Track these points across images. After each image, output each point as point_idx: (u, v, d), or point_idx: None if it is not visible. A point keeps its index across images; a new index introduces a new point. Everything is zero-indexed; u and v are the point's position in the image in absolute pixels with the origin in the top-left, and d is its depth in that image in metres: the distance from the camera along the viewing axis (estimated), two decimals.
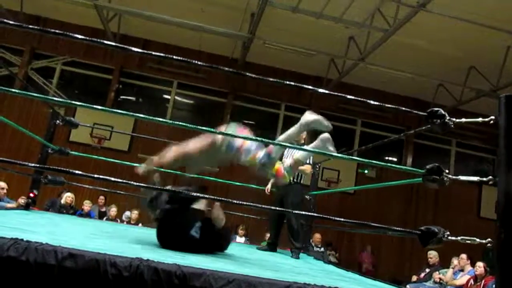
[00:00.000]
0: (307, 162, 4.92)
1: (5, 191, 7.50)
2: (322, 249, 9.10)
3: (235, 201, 2.45)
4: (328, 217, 2.31)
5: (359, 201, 11.82)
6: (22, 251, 1.74)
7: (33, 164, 3.24)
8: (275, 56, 11.22)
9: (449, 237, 2.07)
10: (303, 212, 4.17)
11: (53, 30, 2.70)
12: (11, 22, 2.49)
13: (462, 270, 7.43)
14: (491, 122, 2.12)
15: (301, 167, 4.86)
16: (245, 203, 3.06)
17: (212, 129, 3.21)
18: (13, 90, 4.16)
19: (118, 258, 1.82)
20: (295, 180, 4.92)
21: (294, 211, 3.54)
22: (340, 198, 11.55)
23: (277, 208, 4.64)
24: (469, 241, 2.04)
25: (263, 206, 3.10)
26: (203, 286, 1.80)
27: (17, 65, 11.40)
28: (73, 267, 1.75)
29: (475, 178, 2.23)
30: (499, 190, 1.91)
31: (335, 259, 10.27)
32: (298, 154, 3.42)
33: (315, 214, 4.83)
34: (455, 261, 7.63)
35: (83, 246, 2.00)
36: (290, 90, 11.89)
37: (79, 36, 2.70)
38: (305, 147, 3.07)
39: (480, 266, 6.84)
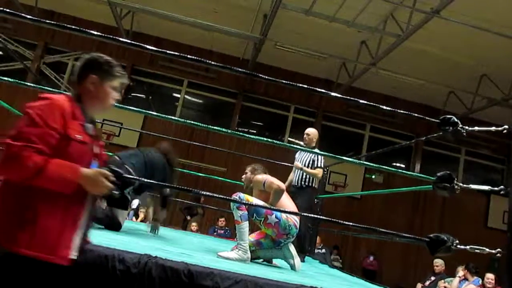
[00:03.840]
0: (319, 165, 4.90)
1: None
2: (323, 250, 9.06)
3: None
4: (336, 220, 2.30)
5: (365, 206, 11.77)
6: None
7: None
8: (286, 58, 11.21)
9: (458, 246, 2.05)
10: (311, 215, 4.16)
11: (67, 25, 2.73)
12: (27, 16, 2.52)
13: (467, 279, 7.37)
14: (504, 131, 2.11)
15: (312, 171, 4.86)
16: (249, 202, 3.06)
17: (223, 129, 3.22)
18: (25, 83, 4.20)
19: (127, 254, 1.83)
20: (306, 183, 4.91)
21: (303, 214, 3.54)
22: (346, 202, 11.51)
23: (285, 210, 4.63)
24: (478, 251, 2.02)
25: (272, 207, 3.10)
26: (210, 285, 1.81)
27: (30, 59, 11.50)
28: (82, 262, 1.76)
29: (486, 187, 2.22)
30: (510, 200, 1.89)
31: (339, 263, 10.23)
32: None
33: (322, 217, 4.80)
34: (460, 269, 7.56)
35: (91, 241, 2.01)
36: (299, 93, 11.87)
37: (94, 32, 2.72)
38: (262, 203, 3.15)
39: (492, 278, 6.72)
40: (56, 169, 1.42)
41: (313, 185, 4.94)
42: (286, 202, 3.38)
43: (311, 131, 5.13)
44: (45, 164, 1.41)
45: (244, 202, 3.08)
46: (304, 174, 4.88)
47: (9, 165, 1.41)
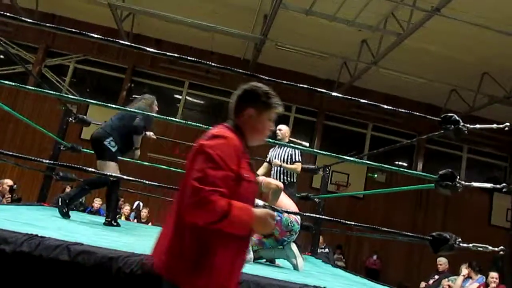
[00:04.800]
0: (297, 159, 4.89)
1: (14, 188, 7.47)
2: (327, 249, 9.05)
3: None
4: (339, 220, 2.30)
5: (368, 206, 11.75)
6: (36, 247, 1.76)
7: (46, 160, 3.28)
8: (287, 58, 11.21)
9: (461, 244, 2.05)
10: (313, 215, 4.15)
11: (68, 28, 2.74)
12: (28, 20, 2.53)
13: (471, 278, 7.35)
14: (506, 128, 2.10)
15: (292, 166, 4.85)
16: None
17: None
18: (27, 86, 4.21)
19: (132, 256, 1.83)
20: (289, 179, 4.89)
21: (305, 214, 3.54)
22: (349, 202, 11.49)
23: (277, 208, 4.65)
24: (481, 249, 2.02)
25: (266, 204, 3.10)
26: None
27: (31, 63, 11.53)
28: (86, 264, 1.76)
29: (488, 185, 2.22)
30: None
31: (342, 263, 10.22)
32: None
33: (324, 217, 4.81)
34: (463, 268, 7.54)
35: (94, 243, 2.02)
36: (301, 93, 11.85)
37: (94, 35, 2.73)
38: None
39: (496, 277, 6.71)
40: (237, 213, 1.44)
41: (294, 180, 4.93)
42: (286, 201, 3.38)
43: (284, 127, 5.10)
44: (229, 208, 1.42)
45: None
46: (284, 170, 4.86)
47: (198, 209, 1.41)
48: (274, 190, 3.28)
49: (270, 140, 3.46)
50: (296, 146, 4.65)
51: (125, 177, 2.49)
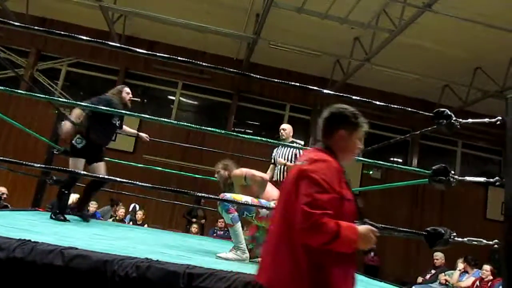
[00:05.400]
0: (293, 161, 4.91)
1: (5, 196, 7.40)
2: None
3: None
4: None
5: (364, 202, 11.76)
6: (29, 252, 1.74)
7: (38, 165, 3.26)
8: (280, 57, 11.20)
9: (456, 239, 2.06)
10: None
11: (59, 32, 2.72)
12: (18, 24, 2.51)
13: (467, 272, 7.39)
14: (498, 122, 2.11)
15: (289, 164, 4.87)
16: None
17: (217, 130, 3.22)
18: (19, 91, 4.18)
19: (127, 259, 1.82)
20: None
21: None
22: None
23: (269, 206, 4.70)
24: (475, 242, 2.03)
25: (263, 205, 3.10)
26: (210, 287, 1.80)
27: (23, 67, 11.46)
28: (80, 268, 1.75)
29: (482, 179, 2.22)
30: (506, 191, 1.90)
31: None
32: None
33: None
34: (460, 262, 7.59)
35: (90, 247, 2.01)
36: (295, 91, 11.87)
37: (85, 38, 2.72)
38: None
39: (486, 270, 6.79)
40: (345, 233, 1.52)
41: None
42: (273, 191, 3.34)
43: (287, 126, 5.23)
44: (338, 229, 1.50)
45: (245, 203, 3.07)
46: (287, 169, 4.88)
47: (312, 233, 1.51)
48: (259, 183, 3.25)
49: (269, 140, 3.45)
50: (296, 146, 4.66)
51: (118, 179, 2.47)
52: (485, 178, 2.19)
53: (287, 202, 1.61)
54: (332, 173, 1.61)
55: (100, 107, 3.81)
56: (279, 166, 5.00)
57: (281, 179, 4.93)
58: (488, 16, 8.00)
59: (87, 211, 8.48)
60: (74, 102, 4.12)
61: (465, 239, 2.03)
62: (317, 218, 1.48)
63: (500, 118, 2.07)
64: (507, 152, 1.94)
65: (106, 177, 3.62)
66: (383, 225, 2.47)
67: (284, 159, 4.93)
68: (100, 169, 4.39)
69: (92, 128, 4.30)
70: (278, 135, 5.20)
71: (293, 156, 4.92)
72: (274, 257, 1.60)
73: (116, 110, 4.12)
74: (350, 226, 1.55)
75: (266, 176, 3.35)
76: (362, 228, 1.60)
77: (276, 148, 5.23)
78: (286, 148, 5.00)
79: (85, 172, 3.69)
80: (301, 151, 4.92)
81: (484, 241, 2.00)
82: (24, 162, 2.53)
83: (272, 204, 3.19)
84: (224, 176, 3.44)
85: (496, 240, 1.95)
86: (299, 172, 1.62)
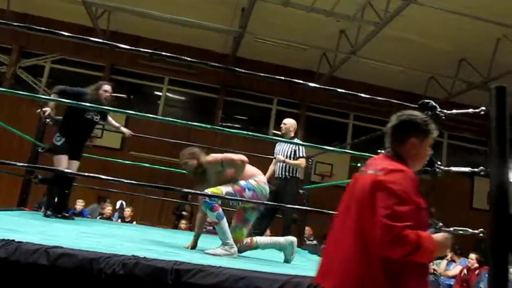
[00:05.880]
0: (301, 155, 4.94)
1: None
2: (315, 241, 9.12)
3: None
4: (323, 210, 2.31)
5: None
6: (13, 252, 1.72)
7: (21, 164, 3.21)
8: (266, 51, 11.18)
9: (442, 228, 2.08)
10: (297, 206, 4.17)
11: (41, 28, 2.67)
12: None
13: (454, 261, 7.50)
14: (482, 112, 2.13)
15: (295, 162, 4.88)
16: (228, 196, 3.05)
17: (203, 124, 3.20)
18: (1, 89, 4.10)
19: (113, 257, 1.81)
20: (291, 174, 4.94)
21: (287, 205, 3.55)
22: (334, 191, 11.53)
23: (265, 202, 4.67)
24: (461, 232, 2.05)
25: (261, 201, 3.10)
26: (199, 283, 1.79)
27: (5, 64, 11.27)
28: (66, 267, 1.73)
29: (467, 169, 2.25)
30: (491, 180, 1.92)
31: None
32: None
33: (309, 208, 4.84)
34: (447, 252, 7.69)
35: (76, 245, 1.98)
36: (282, 85, 11.85)
37: (68, 34, 2.67)
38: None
39: (472, 258, 6.91)
40: (425, 243, 1.50)
41: (297, 175, 4.97)
42: (251, 169, 3.30)
43: (288, 121, 5.18)
44: (418, 240, 1.49)
45: (238, 198, 3.07)
46: (286, 165, 4.90)
47: (394, 246, 1.49)
48: (239, 166, 3.22)
49: (256, 134, 3.44)
50: (299, 142, 4.67)
51: (103, 177, 2.44)
52: (470, 168, 2.21)
53: (361, 213, 1.58)
54: (409, 183, 1.59)
55: (80, 103, 3.85)
56: (278, 163, 5.01)
57: (283, 175, 4.93)
58: (472, 8, 8.06)
59: (72, 210, 8.43)
60: (58, 99, 4.06)
61: (451, 228, 2.05)
62: (399, 231, 1.47)
63: (484, 108, 2.09)
64: (492, 143, 1.96)
65: (92, 174, 3.57)
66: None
67: (283, 155, 4.93)
68: (73, 168, 4.40)
69: (66, 122, 4.36)
70: (266, 129, 5.20)
71: (292, 152, 4.92)
72: (344, 264, 1.57)
73: (93, 105, 4.11)
74: (429, 237, 1.54)
75: (244, 157, 3.26)
76: (438, 236, 1.59)
77: (278, 144, 5.23)
78: (286, 144, 4.99)
79: (68, 170, 3.65)
80: (301, 147, 4.92)
81: (470, 230, 2.02)
82: (6, 162, 2.48)
83: (253, 182, 3.18)
84: (193, 165, 3.31)
85: (482, 229, 1.98)
86: (375, 183, 1.60)
